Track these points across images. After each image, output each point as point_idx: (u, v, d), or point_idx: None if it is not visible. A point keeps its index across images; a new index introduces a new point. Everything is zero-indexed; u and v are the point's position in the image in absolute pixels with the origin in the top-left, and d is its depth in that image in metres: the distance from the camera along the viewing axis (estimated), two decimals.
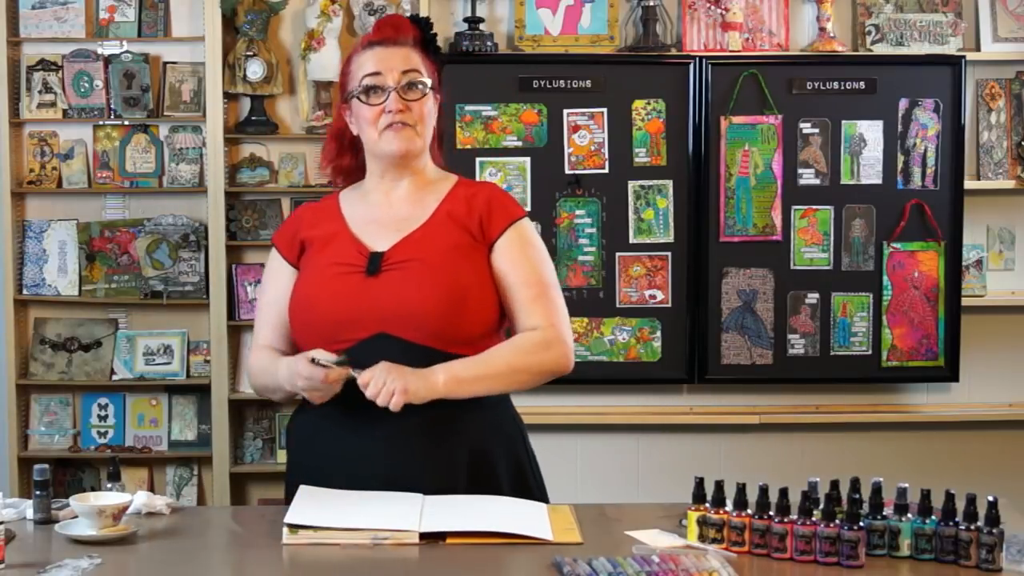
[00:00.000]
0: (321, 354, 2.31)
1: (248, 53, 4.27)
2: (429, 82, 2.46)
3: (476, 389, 2.36)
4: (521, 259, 2.45)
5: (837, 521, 2.05)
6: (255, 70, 4.27)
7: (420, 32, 2.52)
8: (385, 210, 2.48)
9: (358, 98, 2.43)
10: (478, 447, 2.41)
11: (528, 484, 2.48)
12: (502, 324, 2.48)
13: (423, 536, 2.14)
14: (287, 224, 2.61)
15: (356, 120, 2.47)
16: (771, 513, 2.09)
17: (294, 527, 2.15)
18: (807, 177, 4.34)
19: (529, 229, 2.49)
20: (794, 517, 2.08)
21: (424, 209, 2.47)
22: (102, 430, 4.41)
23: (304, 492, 2.29)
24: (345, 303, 2.38)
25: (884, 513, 2.10)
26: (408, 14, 2.65)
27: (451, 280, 2.37)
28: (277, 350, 2.50)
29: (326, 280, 2.42)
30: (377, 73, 2.42)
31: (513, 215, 2.48)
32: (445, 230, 2.43)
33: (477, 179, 4.29)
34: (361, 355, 2.33)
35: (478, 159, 4.31)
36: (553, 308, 2.45)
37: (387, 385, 2.26)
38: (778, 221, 4.34)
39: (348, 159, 2.57)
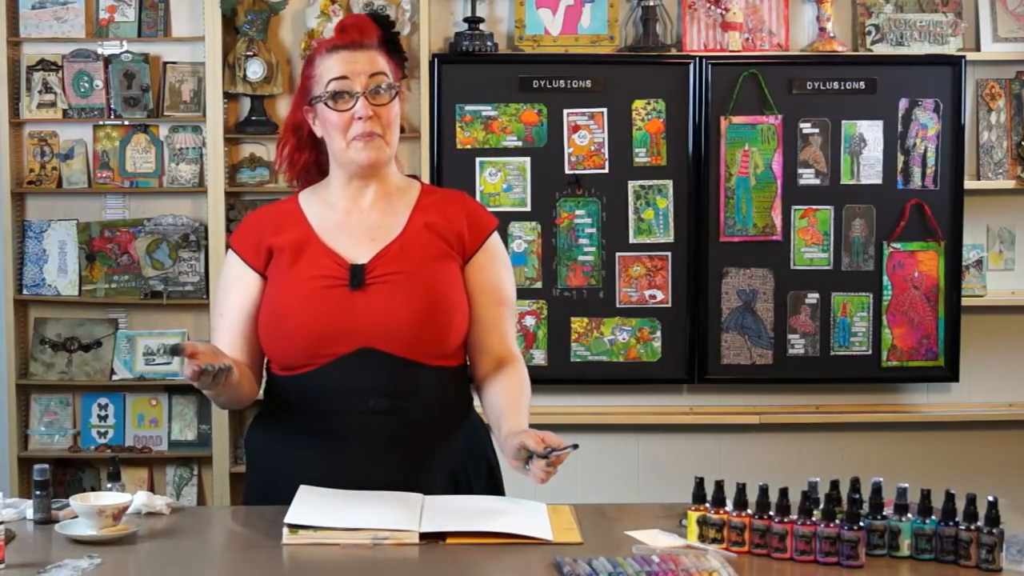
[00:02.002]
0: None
1: (248, 53, 4.27)
2: (396, 85, 2.41)
3: None
4: (494, 276, 2.45)
5: (837, 521, 2.05)
6: (255, 70, 4.27)
7: (383, 32, 2.44)
8: (355, 217, 2.42)
9: (325, 104, 2.37)
10: (455, 466, 2.42)
11: (497, 480, 2.50)
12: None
13: (423, 536, 2.14)
14: (247, 229, 2.47)
15: (322, 125, 2.41)
16: (771, 513, 2.09)
17: (294, 527, 2.15)
18: (807, 177, 4.34)
19: (500, 242, 2.50)
20: (794, 517, 2.08)
21: (396, 217, 2.43)
22: (102, 430, 4.41)
23: (304, 492, 2.29)
24: (330, 317, 2.33)
25: (884, 513, 2.10)
26: (371, 11, 2.59)
27: (435, 293, 2.36)
28: (237, 360, 2.37)
29: (307, 293, 2.35)
30: (344, 78, 2.36)
31: (488, 227, 2.47)
32: (424, 241, 2.40)
33: (476, 179, 4.30)
34: (342, 369, 2.32)
35: (478, 159, 4.31)
36: (512, 328, 2.49)
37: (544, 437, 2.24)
38: (778, 221, 4.34)
39: (307, 155, 2.50)
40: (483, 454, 2.50)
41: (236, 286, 2.43)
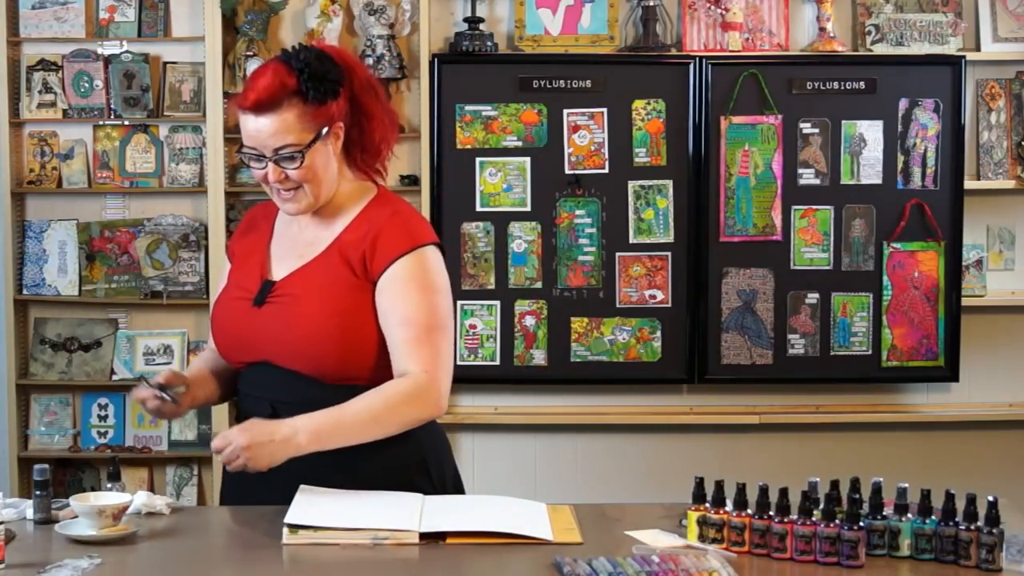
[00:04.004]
0: (151, 381, 2.42)
1: (248, 53, 4.27)
2: (310, 140, 2.31)
3: (338, 441, 2.29)
4: (398, 298, 2.35)
5: (837, 521, 2.05)
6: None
7: (299, 79, 2.30)
8: (296, 231, 2.47)
9: (242, 159, 2.40)
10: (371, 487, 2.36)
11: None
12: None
13: (423, 536, 2.14)
14: (239, 228, 2.62)
15: None
16: (771, 513, 2.09)
17: (294, 527, 2.15)
18: (807, 177, 4.34)
19: (415, 264, 2.37)
20: (794, 517, 2.08)
21: (330, 234, 2.43)
22: (102, 430, 4.41)
23: (304, 492, 2.29)
24: (233, 329, 2.45)
25: (884, 513, 2.10)
26: (286, 53, 2.36)
27: (326, 317, 2.35)
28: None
29: (224, 302, 2.49)
30: (252, 147, 2.34)
31: (396, 251, 2.36)
32: (332, 265, 2.39)
33: (477, 179, 4.30)
34: (250, 380, 2.44)
35: (478, 159, 4.31)
36: (430, 351, 2.34)
37: (231, 449, 2.24)
38: (778, 221, 4.34)
39: None
40: (401, 479, 2.37)
41: (223, 280, 2.57)
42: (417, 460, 2.43)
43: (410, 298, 2.35)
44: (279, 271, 2.44)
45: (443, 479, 2.47)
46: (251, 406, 2.44)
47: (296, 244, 2.45)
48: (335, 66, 2.36)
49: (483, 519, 2.20)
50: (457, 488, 2.53)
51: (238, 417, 2.49)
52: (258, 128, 2.32)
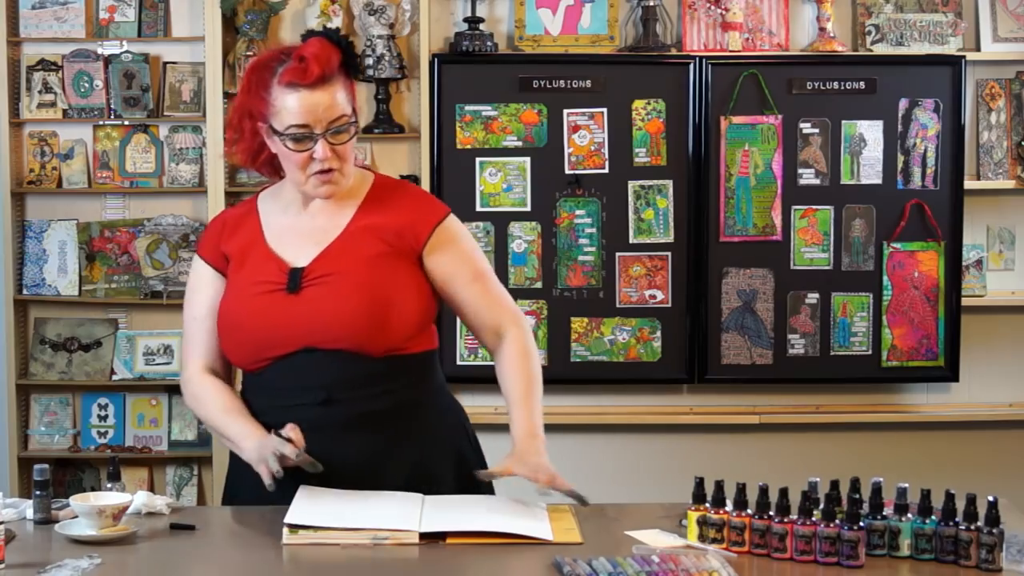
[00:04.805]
0: (289, 449, 2.28)
1: (248, 53, 4.27)
2: (354, 114, 2.39)
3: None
4: (458, 259, 2.46)
5: (837, 521, 2.05)
6: None
7: (343, 55, 2.39)
8: (305, 220, 2.46)
9: (285, 144, 2.36)
10: (417, 456, 2.43)
11: (465, 471, 2.48)
12: (428, 322, 2.48)
13: (423, 536, 2.14)
14: (208, 234, 2.56)
15: (280, 154, 2.41)
16: (771, 513, 2.09)
17: (294, 527, 2.15)
18: (807, 177, 4.34)
19: (455, 227, 2.49)
20: (794, 517, 2.08)
21: (342, 217, 2.44)
22: (102, 430, 4.41)
23: (304, 492, 2.29)
24: (268, 322, 2.39)
25: (884, 513, 2.10)
26: (328, 31, 2.43)
27: (372, 290, 2.37)
28: (212, 370, 2.51)
29: (248, 299, 2.42)
30: (305, 124, 2.34)
31: (434, 218, 2.46)
32: (363, 241, 2.41)
33: (477, 180, 4.30)
34: (288, 367, 2.38)
35: (478, 159, 4.31)
36: (503, 296, 2.51)
37: (547, 476, 2.32)
38: (778, 221, 4.34)
39: (268, 152, 2.47)
40: (452, 443, 2.51)
41: (205, 289, 2.52)
42: (460, 422, 2.56)
43: (470, 255, 2.48)
44: (299, 259, 2.42)
45: (477, 442, 2.59)
46: (293, 399, 2.39)
47: (308, 232, 2.44)
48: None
49: (483, 519, 2.20)
50: (477, 452, 2.58)
51: (261, 415, 2.42)
52: (315, 102, 2.33)
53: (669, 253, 4.34)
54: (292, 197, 2.47)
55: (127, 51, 4.35)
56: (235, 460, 2.50)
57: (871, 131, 4.33)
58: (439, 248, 2.45)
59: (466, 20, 4.30)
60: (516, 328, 2.49)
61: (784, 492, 2.10)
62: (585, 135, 4.31)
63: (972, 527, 2.04)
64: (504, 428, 2.44)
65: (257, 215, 2.50)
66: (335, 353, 2.36)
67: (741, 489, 2.11)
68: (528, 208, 4.32)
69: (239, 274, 2.46)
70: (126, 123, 4.37)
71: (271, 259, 2.43)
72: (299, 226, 2.46)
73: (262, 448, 2.31)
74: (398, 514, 2.20)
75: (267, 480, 2.27)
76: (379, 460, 2.39)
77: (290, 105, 2.34)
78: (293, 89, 2.34)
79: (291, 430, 2.30)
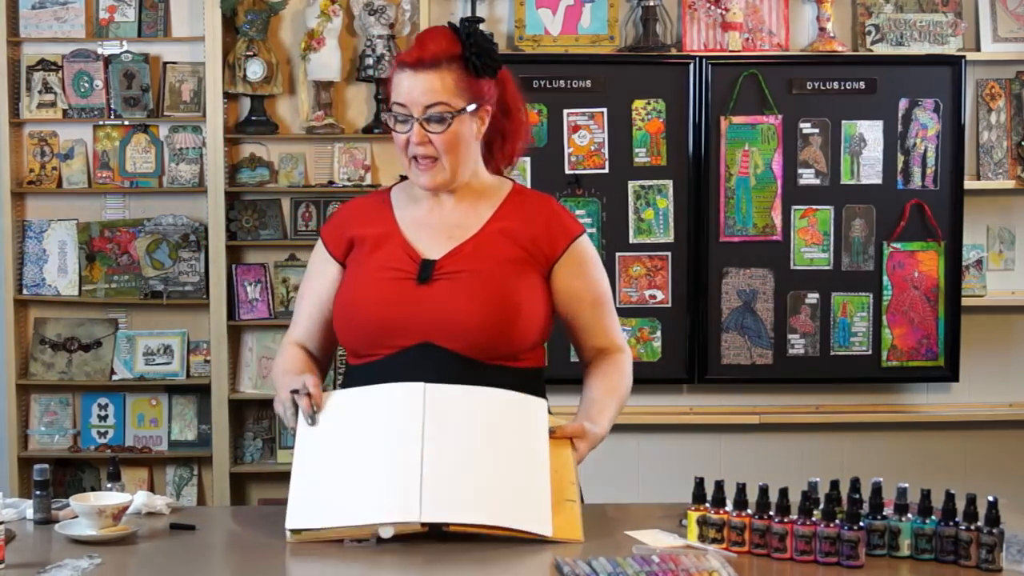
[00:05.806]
0: (303, 404, 2.27)
1: (248, 53, 4.27)
2: (461, 107, 2.34)
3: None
4: (581, 281, 2.45)
5: (837, 521, 2.05)
6: (255, 70, 4.27)
7: (463, 46, 2.35)
8: (437, 215, 2.43)
9: (389, 123, 2.38)
10: None
11: None
12: (544, 339, 2.46)
13: (424, 526, 2.12)
14: (335, 219, 2.54)
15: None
16: (771, 513, 2.09)
17: (296, 531, 2.14)
18: (807, 177, 4.34)
19: (589, 247, 2.48)
20: (794, 517, 2.08)
21: (478, 217, 2.43)
22: (102, 430, 4.41)
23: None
24: (392, 309, 2.35)
25: (884, 513, 2.10)
26: (460, 22, 2.45)
27: (501, 294, 2.35)
28: (305, 349, 2.48)
29: (375, 283, 2.38)
30: (403, 104, 2.34)
31: (572, 232, 2.45)
32: (499, 243, 2.39)
33: None
34: (403, 363, 2.33)
35: None
36: (615, 325, 2.52)
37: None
38: (778, 221, 4.34)
39: None
40: None
41: (318, 275, 2.49)
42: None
43: (597, 281, 2.48)
44: (432, 251, 2.39)
45: None
46: None
47: (443, 226, 2.41)
48: (496, 51, 2.41)
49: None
50: None
51: None
52: (412, 84, 2.33)
53: (669, 253, 4.34)
54: (424, 192, 2.44)
55: (127, 51, 4.36)
56: None
57: (871, 131, 4.33)
58: (570, 265, 2.44)
59: (466, 20, 4.30)
60: (621, 353, 2.51)
61: (784, 492, 2.10)
62: (585, 135, 4.31)
63: (972, 527, 2.04)
64: None
65: (390, 206, 2.48)
66: (450, 354, 2.32)
67: (741, 489, 2.11)
68: None
69: (369, 259, 2.41)
70: (126, 123, 4.37)
71: (403, 247, 2.40)
72: (433, 220, 2.43)
73: (280, 404, 2.32)
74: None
75: (290, 424, 2.30)
76: None
77: (395, 83, 2.36)
78: (400, 68, 2.36)
79: (314, 386, 2.28)
